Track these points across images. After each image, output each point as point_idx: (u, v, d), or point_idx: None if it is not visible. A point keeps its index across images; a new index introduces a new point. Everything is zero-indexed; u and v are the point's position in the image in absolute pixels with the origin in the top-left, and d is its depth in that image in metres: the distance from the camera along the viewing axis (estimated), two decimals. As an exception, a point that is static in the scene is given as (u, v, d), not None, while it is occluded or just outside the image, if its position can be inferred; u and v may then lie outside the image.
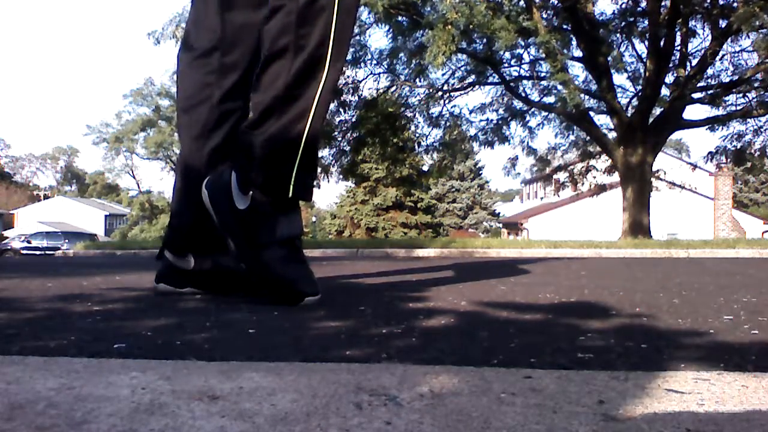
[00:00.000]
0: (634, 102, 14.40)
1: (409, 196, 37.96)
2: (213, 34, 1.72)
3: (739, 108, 14.07)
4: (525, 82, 14.82)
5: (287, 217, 1.61)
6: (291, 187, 1.57)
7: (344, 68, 15.14)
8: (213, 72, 1.72)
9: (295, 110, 1.55)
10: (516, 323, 1.29)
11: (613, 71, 13.62)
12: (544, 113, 15.29)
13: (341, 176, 17.05)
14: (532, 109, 15.19)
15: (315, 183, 1.71)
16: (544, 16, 13.02)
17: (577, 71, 22.58)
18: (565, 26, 13.32)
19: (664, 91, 13.72)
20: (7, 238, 31.09)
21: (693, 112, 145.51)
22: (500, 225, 42.51)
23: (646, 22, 13.73)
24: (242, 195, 1.60)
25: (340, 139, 15.66)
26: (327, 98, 1.58)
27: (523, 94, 14.99)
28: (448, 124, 15.72)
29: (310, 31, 1.51)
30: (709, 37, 13.44)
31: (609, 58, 13.15)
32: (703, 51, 13.69)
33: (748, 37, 11.78)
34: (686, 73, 13.51)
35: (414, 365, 0.86)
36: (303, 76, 1.53)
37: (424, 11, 12.16)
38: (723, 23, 12.56)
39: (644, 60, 14.10)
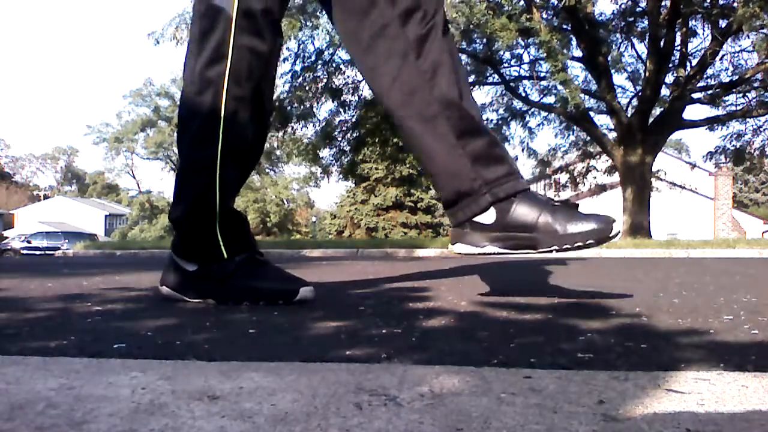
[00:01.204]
0: (634, 102, 14.40)
1: (409, 196, 37.93)
2: None
3: (739, 108, 14.08)
4: (525, 82, 14.83)
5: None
6: (222, 251, 1.63)
7: (343, 68, 15.12)
8: None
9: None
10: (516, 323, 1.29)
11: (613, 71, 13.63)
12: (544, 113, 15.30)
13: (341, 176, 17.05)
14: (532, 109, 15.19)
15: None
16: (544, 16, 13.02)
17: (577, 71, 22.60)
18: (565, 26, 13.33)
19: (664, 91, 13.73)
20: (7, 238, 31.09)
21: (693, 112, 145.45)
22: (500, 225, 42.39)
23: (646, 22, 13.74)
24: (187, 261, 1.67)
25: (340, 139, 15.67)
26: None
27: (523, 94, 15.00)
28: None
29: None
30: (709, 37, 13.45)
31: (609, 58, 13.16)
32: (703, 51, 13.70)
33: (748, 37, 11.79)
34: (686, 73, 13.51)
35: (414, 365, 0.86)
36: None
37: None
38: (723, 23, 12.56)
39: (644, 60, 14.11)
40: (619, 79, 29.59)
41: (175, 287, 1.69)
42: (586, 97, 14.53)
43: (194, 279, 1.67)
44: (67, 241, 26.36)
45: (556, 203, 1.54)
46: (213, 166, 1.59)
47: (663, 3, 13.12)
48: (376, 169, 30.01)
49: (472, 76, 14.85)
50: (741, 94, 14.12)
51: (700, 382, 0.76)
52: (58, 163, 78.03)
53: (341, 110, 15.17)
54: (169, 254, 1.75)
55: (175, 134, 1.76)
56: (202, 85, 1.57)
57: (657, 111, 13.83)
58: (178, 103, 1.70)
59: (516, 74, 14.82)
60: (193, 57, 1.59)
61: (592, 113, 14.38)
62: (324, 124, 15.46)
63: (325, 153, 15.83)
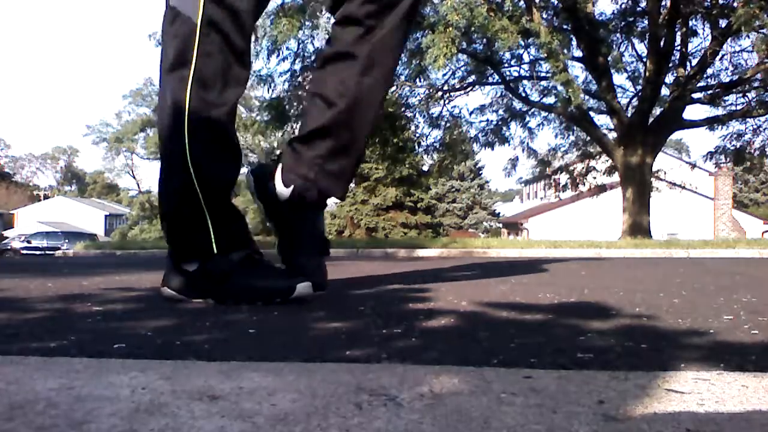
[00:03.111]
0: (634, 102, 14.40)
1: (409, 196, 37.93)
2: None
3: (739, 108, 14.08)
4: (525, 82, 14.83)
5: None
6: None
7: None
8: None
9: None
10: (516, 323, 1.29)
11: (613, 71, 13.62)
12: (544, 113, 15.30)
13: (341, 176, 17.02)
14: (532, 110, 15.19)
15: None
16: (544, 16, 13.02)
17: (577, 71, 22.59)
18: (565, 26, 13.33)
19: (664, 91, 13.73)
20: (7, 238, 31.09)
21: (693, 112, 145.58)
22: (500, 225, 42.52)
23: (646, 22, 13.74)
24: (185, 260, 1.69)
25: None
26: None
27: (523, 95, 15.00)
28: (448, 124, 15.73)
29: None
30: (709, 37, 13.45)
31: (609, 58, 13.16)
32: (703, 51, 13.70)
33: (748, 37, 11.79)
34: (686, 73, 13.51)
35: (414, 365, 0.86)
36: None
37: (424, 12, 12.16)
38: (723, 23, 12.56)
39: (644, 60, 14.10)
40: (619, 79, 29.56)
41: (176, 288, 1.70)
42: (587, 97, 14.53)
43: (194, 279, 1.67)
44: (67, 241, 26.36)
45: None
46: (185, 162, 1.62)
47: (663, 3, 13.12)
48: (376, 169, 30.01)
49: (472, 76, 14.86)
50: (741, 94, 14.12)
51: (700, 382, 0.76)
52: (58, 163, 78.05)
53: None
54: (168, 256, 1.75)
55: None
56: (166, 84, 1.65)
57: (657, 111, 13.82)
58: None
59: (516, 74, 14.82)
60: (161, 62, 1.68)
61: (592, 113, 14.37)
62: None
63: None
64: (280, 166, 1.81)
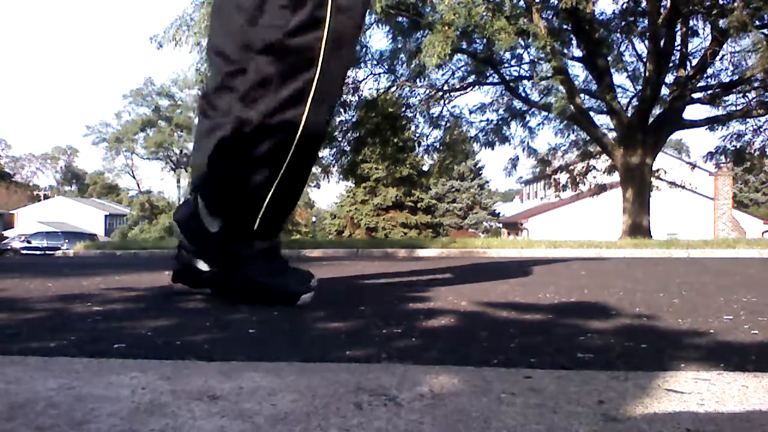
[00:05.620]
0: (634, 102, 14.39)
1: (409, 196, 37.96)
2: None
3: (739, 108, 14.07)
4: (525, 82, 14.82)
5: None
6: (257, 222, 1.60)
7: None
8: None
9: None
10: (516, 323, 1.29)
11: (613, 71, 13.62)
12: (544, 113, 15.30)
13: (341, 176, 17.04)
14: (532, 109, 15.19)
15: (286, 221, 1.73)
16: (544, 16, 13.02)
17: (578, 71, 22.60)
18: (565, 26, 13.32)
19: (664, 91, 13.72)
20: (7, 238, 31.09)
21: (693, 112, 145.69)
22: (500, 225, 42.50)
23: (646, 21, 13.73)
24: (212, 218, 1.64)
25: (340, 139, 15.65)
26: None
27: (523, 94, 15.00)
28: (448, 124, 15.73)
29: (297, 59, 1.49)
30: (709, 37, 13.44)
31: (609, 58, 13.15)
32: (703, 51, 13.70)
33: (748, 37, 11.77)
34: (686, 73, 13.51)
35: (414, 365, 0.86)
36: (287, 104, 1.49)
37: (423, 11, 12.16)
38: (723, 23, 12.55)
39: (644, 60, 14.10)
40: (619, 78, 29.61)
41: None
42: (587, 97, 14.52)
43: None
44: (67, 241, 26.35)
45: None
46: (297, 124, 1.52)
47: (663, 3, 13.11)
48: (377, 169, 29.99)
49: (472, 76, 14.86)
50: (741, 94, 14.12)
51: (700, 382, 0.76)
52: (58, 163, 78.03)
53: (341, 110, 15.16)
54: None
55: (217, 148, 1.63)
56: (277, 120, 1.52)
57: (657, 111, 13.82)
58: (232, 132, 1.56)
59: (516, 74, 14.82)
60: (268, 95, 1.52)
61: (592, 113, 14.37)
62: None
63: (326, 153, 15.81)
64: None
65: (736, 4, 11.12)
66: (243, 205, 1.61)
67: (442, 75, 14.56)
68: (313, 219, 55.34)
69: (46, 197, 66.30)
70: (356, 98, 15.04)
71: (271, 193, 1.57)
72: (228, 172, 1.58)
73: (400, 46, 13.36)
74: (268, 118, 1.51)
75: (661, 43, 13.30)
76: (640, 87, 14.05)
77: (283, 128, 1.52)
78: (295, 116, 1.51)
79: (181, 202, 1.69)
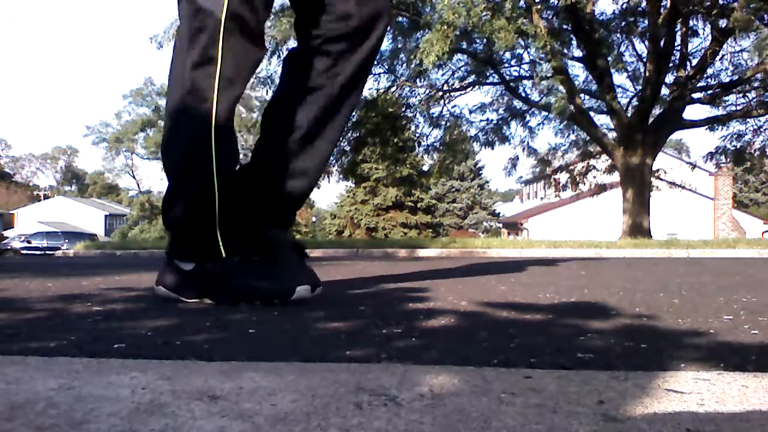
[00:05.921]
0: (634, 102, 14.40)
1: (409, 196, 37.97)
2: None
3: (739, 108, 14.08)
4: (525, 82, 14.83)
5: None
6: (221, 249, 1.63)
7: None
8: None
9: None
10: (516, 323, 1.29)
11: (613, 71, 13.62)
12: (544, 113, 15.30)
13: (341, 176, 17.05)
14: (532, 109, 15.19)
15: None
16: (544, 16, 13.02)
17: (578, 71, 22.60)
18: (565, 26, 13.32)
19: (664, 91, 13.73)
20: (7, 238, 31.10)
21: (693, 112, 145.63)
22: (500, 225, 42.52)
23: (646, 22, 13.74)
24: (184, 261, 1.66)
25: (340, 139, 15.68)
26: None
27: (523, 94, 15.01)
28: (448, 124, 15.73)
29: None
30: (709, 37, 13.45)
31: (609, 58, 13.15)
32: (703, 51, 13.70)
33: (748, 38, 11.79)
34: (686, 73, 13.51)
35: (414, 365, 0.86)
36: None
37: (423, 11, 12.16)
38: (723, 23, 12.56)
39: (644, 60, 14.11)
40: (619, 78, 29.60)
41: (171, 287, 1.69)
42: (587, 97, 14.53)
43: (191, 278, 1.66)
44: (67, 241, 26.35)
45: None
46: (209, 164, 1.59)
47: (663, 3, 13.11)
48: (377, 169, 30.01)
49: (472, 76, 14.86)
50: (741, 94, 14.12)
51: (700, 382, 0.76)
52: (58, 163, 78.03)
53: (341, 110, 15.14)
54: (165, 255, 1.74)
55: (163, 135, 1.75)
56: (192, 85, 1.58)
57: (657, 111, 13.82)
58: (166, 103, 1.71)
59: (516, 74, 14.83)
60: (180, 58, 1.61)
61: (592, 113, 14.37)
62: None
63: (325, 153, 15.79)
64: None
65: (736, 4, 11.12)
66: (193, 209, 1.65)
67: (442, 75, 14.58)
68: (313, 219, 55.34)
69: (46, 197, 66.30)
70: (356, 98, 15.02)
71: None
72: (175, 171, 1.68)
73: (400, 46, 13.37)
74: None
75: (661, 43, 13.31)
76: (640, 87, 14.05)
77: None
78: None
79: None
